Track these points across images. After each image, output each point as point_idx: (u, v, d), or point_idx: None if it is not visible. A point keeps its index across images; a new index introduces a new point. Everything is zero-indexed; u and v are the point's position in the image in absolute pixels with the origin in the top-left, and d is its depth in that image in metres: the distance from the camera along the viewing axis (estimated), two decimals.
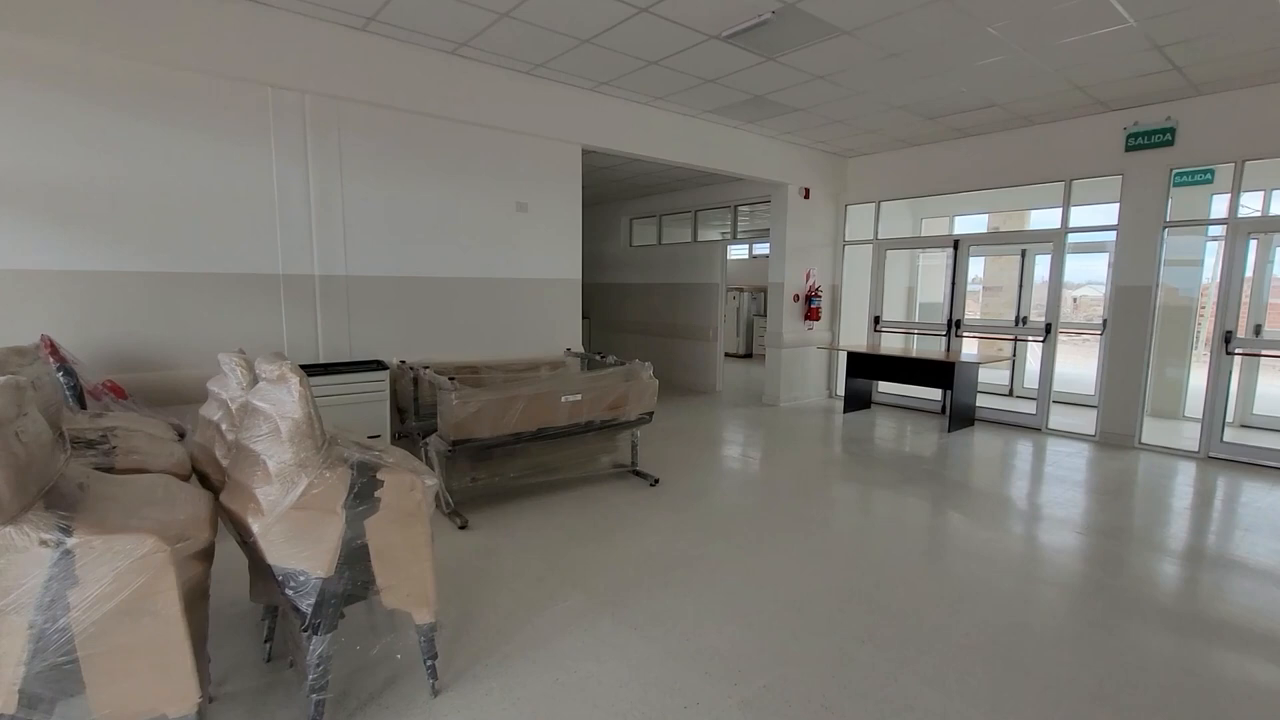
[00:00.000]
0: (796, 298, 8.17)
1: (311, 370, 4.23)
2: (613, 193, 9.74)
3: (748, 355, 13.53)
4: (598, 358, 5.48)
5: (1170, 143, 5.83)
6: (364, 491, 2.04)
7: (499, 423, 4.03)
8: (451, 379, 4.11)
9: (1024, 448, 6.22)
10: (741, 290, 13.64)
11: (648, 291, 10.19)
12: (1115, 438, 6.29)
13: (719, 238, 9.13)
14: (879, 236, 8.23)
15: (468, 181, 5.20)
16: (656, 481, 4.84)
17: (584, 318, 11.51)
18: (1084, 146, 6.35)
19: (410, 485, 2.15)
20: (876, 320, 8.32)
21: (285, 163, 4.31)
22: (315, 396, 2.06)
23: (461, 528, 3.92)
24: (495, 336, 5.50)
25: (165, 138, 3.88)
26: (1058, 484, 5.06)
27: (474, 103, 5.10)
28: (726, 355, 13.83)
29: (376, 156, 4.70)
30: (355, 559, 2.05)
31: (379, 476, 2.08)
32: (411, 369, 4.67)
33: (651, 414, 4.88)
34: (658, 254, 9.96)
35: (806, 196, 8.02)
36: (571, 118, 5.69)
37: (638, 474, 4.97)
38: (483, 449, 4.08)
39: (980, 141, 7.07)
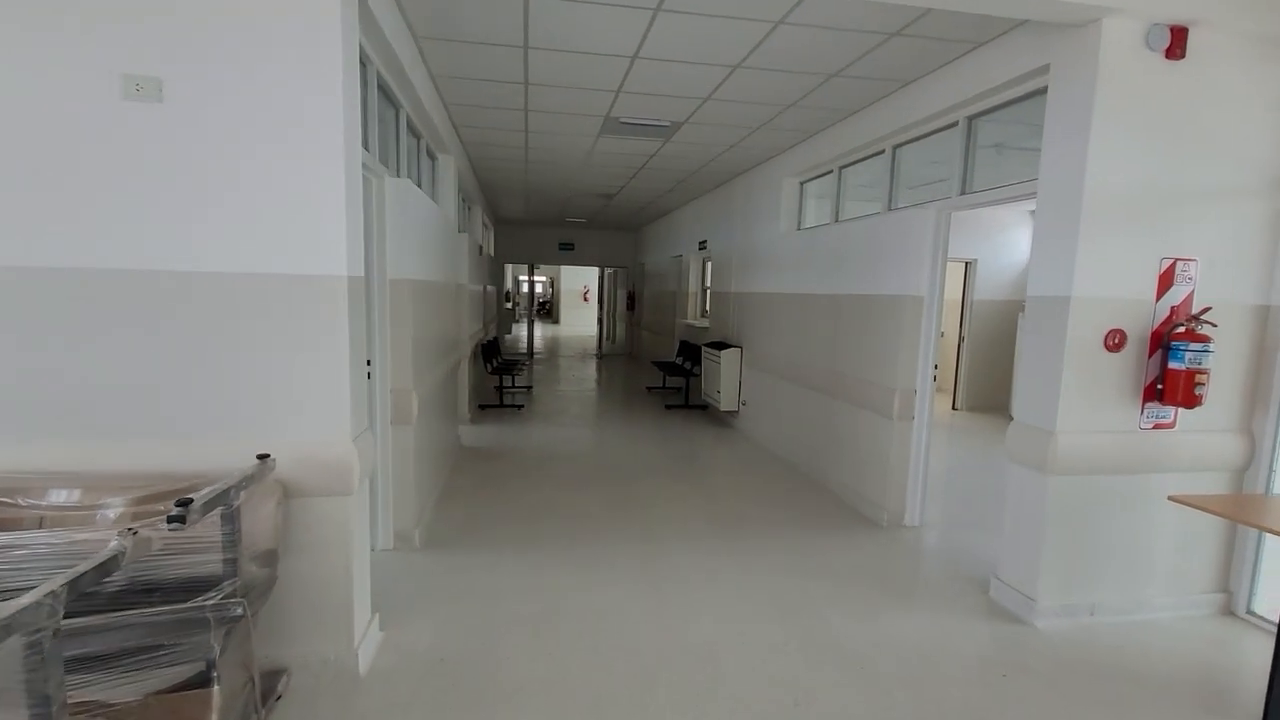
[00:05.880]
0: (1119, 341, 2.96)
1: None
2: (753, 135, 5.51)
3: None
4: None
5: None
6: None
7: None
8: None
9: None
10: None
11: (803, 310, 5.67)
12: None
13: (938, 197, 4.14)
14: None
15: None
16: None
17: (724, 347, 7.33)
18: None
19: None
20: None
21: None
22: None
23: None
24: (72, 417, 2.22)
25: None
26: None
27: None
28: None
29: None
30: None
31: None
32: None
33: None
34: (825, 240, 5.37)
35: (1175, 52, 2.78)
36: None
37: None
38: None
39: None
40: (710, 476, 5.45)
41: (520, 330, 19.61)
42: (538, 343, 17.97)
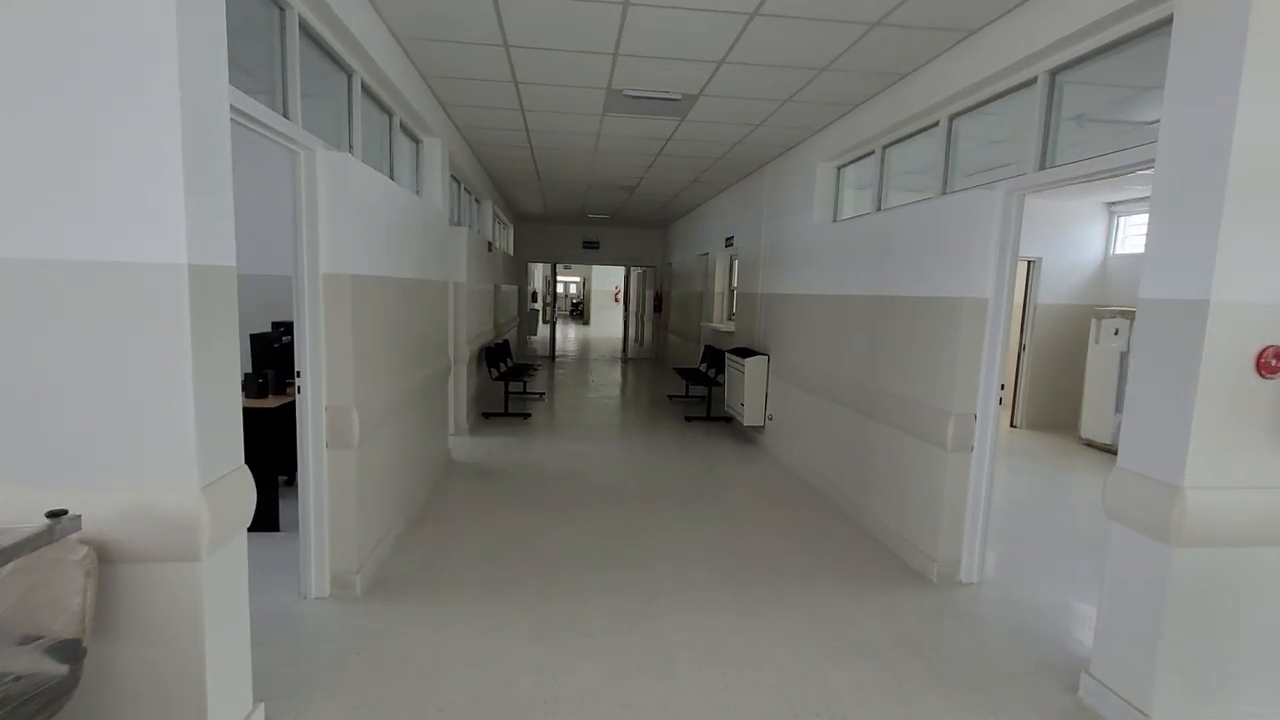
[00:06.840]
0: (1278, 363, 2.12)
1: None
2: (780, 110, 4.76)
3: None
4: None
5: None
6: None
7: None
8: None
9: None
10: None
11: (839, 313, 4.87)
12: None
13: (1008, 176, 3.30)
14: None
15: None
16: None
17: (750, 354, 6.55)
18: None
19: None
20: None
21: None
22: None
23: None
24: None
25: None
26: None
27: None
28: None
29: None
30: None
31: None
32: None
33: None
34: (866, 232, 4.57)
35: None
36: None
37: None
38: None
39: None
40: (725, 506, 4.71)
41: (546, 332, 19.14)
42: (567, 345, 17.45)
